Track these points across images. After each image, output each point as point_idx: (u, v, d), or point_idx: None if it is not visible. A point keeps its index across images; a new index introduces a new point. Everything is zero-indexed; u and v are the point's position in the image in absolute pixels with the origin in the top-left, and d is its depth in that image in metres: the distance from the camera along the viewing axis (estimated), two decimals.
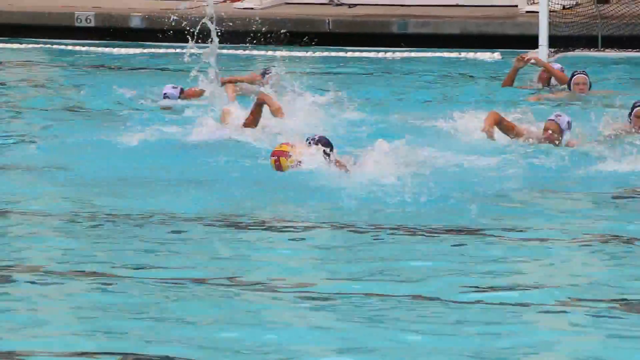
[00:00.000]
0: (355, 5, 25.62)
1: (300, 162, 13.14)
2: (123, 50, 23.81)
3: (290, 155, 13.11)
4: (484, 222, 11.75)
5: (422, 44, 23.20)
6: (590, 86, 18.62)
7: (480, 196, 12.83)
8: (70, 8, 25.00)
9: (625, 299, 9.22)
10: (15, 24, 24.72)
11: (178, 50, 22.13)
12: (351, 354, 8.29)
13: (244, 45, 22.92)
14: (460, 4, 25.14)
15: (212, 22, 19.95)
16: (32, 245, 11.25)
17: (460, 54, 22.22)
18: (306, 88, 17.37)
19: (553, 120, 15.04)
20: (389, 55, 22.92)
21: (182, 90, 17.72)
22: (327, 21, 24.36)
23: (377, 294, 9.51)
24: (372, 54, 22.91)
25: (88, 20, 24.42)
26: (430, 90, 20.13)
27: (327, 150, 13.41)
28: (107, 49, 23.76)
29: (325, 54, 23.10)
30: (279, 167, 13.11)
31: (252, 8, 25.13)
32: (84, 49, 23.53)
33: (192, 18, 20.97)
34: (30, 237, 11.40)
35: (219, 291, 9.67)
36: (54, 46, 23.93)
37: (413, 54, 22.81)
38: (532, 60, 18.82)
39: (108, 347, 8.25)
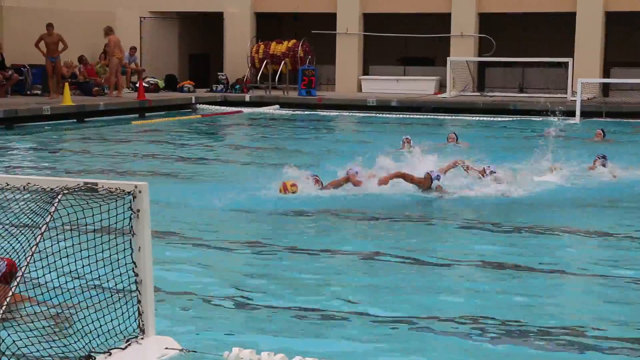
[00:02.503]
0: (493, 95, 26.76)
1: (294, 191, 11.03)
2: (393, 115, 23.74)
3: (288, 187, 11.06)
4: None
5: (525, 114, 23.77)
6: (604, 135, 17.97)
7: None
8: (365, 97, 26.38)
9: None
10: (338, 104, 25.91)
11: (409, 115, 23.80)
12: None
13: (442, 114, 24.10)
14: (542, 96, 25.32)
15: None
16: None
17: (540, 118, 22.13)
18: (464, 134, 17.83)
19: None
20: (508, 118, 23.05)
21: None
22: (480, 103, 25.38)
23: None
24: (499, 119, 23.05)
25: (372, 102, 25.63)
26: (524, 134, 20.17)
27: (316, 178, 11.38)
28: (382, 116, 24.00)
29: (476, 118, 23.48)
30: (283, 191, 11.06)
31: (445, 97, 26.33)
32: (372, 115, 24.22)
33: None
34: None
35: None
36: (355, 114, 24.77)
37: (517, 117, 23.35)
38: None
39: None
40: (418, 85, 28.28)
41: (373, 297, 7.18)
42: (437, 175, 11.59)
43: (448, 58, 27.27)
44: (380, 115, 24.49)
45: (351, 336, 6.14)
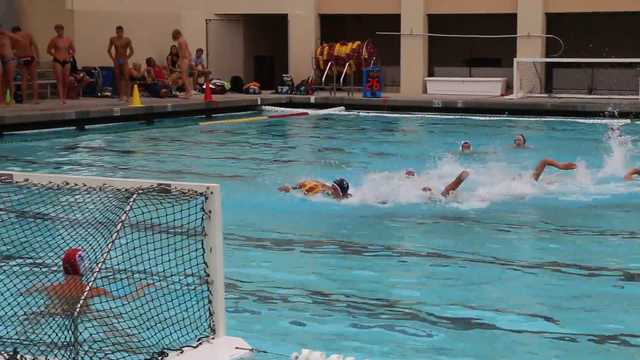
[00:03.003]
0: (561, 97, 26.21)
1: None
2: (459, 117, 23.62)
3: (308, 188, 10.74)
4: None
5: (594, 115, 22.88)
6: None
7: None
8: (430, 98, 26.24)
9: None
10: (403, 105, 25.77)
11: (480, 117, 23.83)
12: None
13: (507, 115, 23.67)
14: (612, 97, 24.93)
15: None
16: None
17: (609, 120, 20.16)
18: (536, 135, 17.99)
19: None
20: (576, 120, 22.86)
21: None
22: (548, 104, 25.08)
23: None
24: (567, 121, 22.90)
25: (438, 104, 25.48)
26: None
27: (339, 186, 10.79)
28: (439, 116, 24.11)
29: (544, 119, 23.56)
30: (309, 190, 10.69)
31: (512, 99, 25.93)
32: (437, 117, 24.21)
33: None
34: None
35: None
36: (420, 115, 24.56)
37: (586, 119, 22.84)
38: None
39: None
40: (484, 86, 28.02)
41: (443, 297, 7.18)
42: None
43: (515, 59, 26.82)
44: (446, 116, 24.47)
45: (425, 338, 6.19)
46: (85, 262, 6.01)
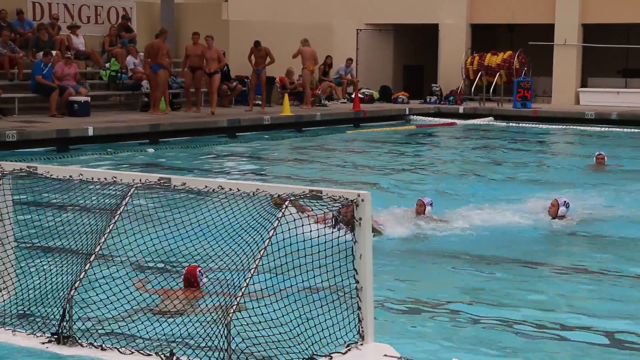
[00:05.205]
0: None
1: None
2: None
3: None
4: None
5: None
6: None
7: None
8: (582, 110, 25.42)
9: None
10: (554, 117, 25.08)
11: None
12: None
13: None
14: None
15: None
16: None
17: None
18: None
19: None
20: None
21: None
22: None
23: None
24: None
25: (591, 115, 24.80)
26: None
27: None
28: (590, 128, 23.33)
29: None
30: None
31: None
32: (589, 128, 23.44)
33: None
34: None
35: None
36: (572, 127, 23.68)
37: None
38: None
39: None
40: None
41: (601, 315, 6.99)
42: (430, 202, 10.55)
43: None
44: (599, 128, 23.90)
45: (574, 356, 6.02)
46: (204, 278, 6.35)
